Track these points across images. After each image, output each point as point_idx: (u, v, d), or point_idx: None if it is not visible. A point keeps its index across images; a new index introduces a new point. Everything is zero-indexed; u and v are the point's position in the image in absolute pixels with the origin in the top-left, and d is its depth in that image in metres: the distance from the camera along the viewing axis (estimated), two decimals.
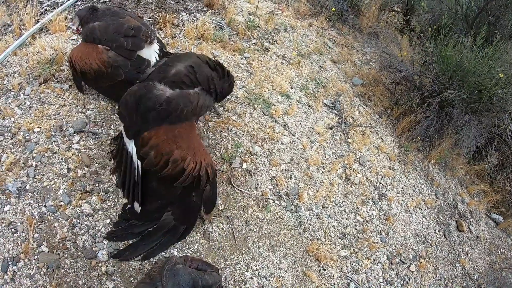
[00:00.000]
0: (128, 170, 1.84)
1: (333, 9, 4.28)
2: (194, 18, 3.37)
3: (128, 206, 1.88)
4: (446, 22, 3.99)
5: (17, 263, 1.76)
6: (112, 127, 2.34)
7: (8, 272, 1.73)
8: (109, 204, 2.01)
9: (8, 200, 1.93)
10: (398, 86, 3.69)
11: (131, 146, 1.84)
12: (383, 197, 2.81)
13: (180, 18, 3.31)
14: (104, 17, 2.30)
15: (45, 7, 3.05)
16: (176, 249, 1.90)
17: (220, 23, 3.47)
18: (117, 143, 2.03)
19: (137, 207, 1.83)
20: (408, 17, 5.15)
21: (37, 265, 1.77)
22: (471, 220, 3.27)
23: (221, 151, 2.40)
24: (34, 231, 1.86)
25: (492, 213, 3.54)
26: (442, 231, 2.99)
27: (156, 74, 1.86)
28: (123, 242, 1.91)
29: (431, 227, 2.94)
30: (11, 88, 2.39)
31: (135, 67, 2.22)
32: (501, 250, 3.35)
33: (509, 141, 3.37)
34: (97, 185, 2.07)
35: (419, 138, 3.34)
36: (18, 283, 1.72)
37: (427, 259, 2.73)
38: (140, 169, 1.79)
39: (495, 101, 3.15)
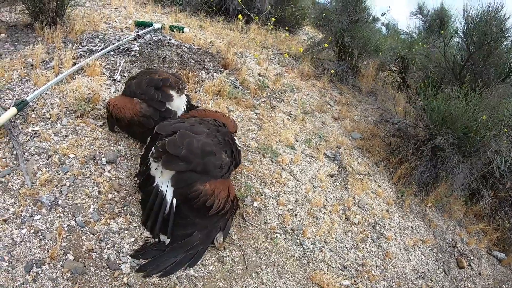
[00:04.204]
0: (156, 206, 2.12)
1: (332, 71, 4.78)
2: (212, 77, 3.79)
3: (155, 239, 2.10)
4: (433, 77, 4.43)
5: (42, 266, 1.82)
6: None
7: (31, 273, 1.78)
8: (134, 225, 2.18)
9: (39, 211, 2.04)
10: (394, 138, 4.01)
11: (165, 185, 2.14)
12: (382, 236, 3.01)
13: (200, 76, 3.71)
14: (139, 76, 2.71)
15: (81, 52, 3.43)
16: (192, 270, 2.09)
17: (234, 82, 3.92)
18: (142, 179, 2.32)
19: (164, 239, 2.07)
20: (404, 75, 5.64)
21: (62, 270, 1.84)
22: (472, 258, 3.38)
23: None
24: (62, 240, 1.95)
25: (493, 250, 3.63)
26: (442, 267, 3.11)
27: (223, 143, 2.37)
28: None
29: (431, 263, 3.07)
30: (49, 116, 2.60)
31: (164, 118, 2.58)
32: (507, 285, 3.41)
33: (500, 178, 3.55)
34: (125, 208, 2.24)
35: (414, 183, 3.58)
36: (39, 284, 1.77)
37: None
38: (174, 205, 2.12)
39: (479, 142, 3.37)
